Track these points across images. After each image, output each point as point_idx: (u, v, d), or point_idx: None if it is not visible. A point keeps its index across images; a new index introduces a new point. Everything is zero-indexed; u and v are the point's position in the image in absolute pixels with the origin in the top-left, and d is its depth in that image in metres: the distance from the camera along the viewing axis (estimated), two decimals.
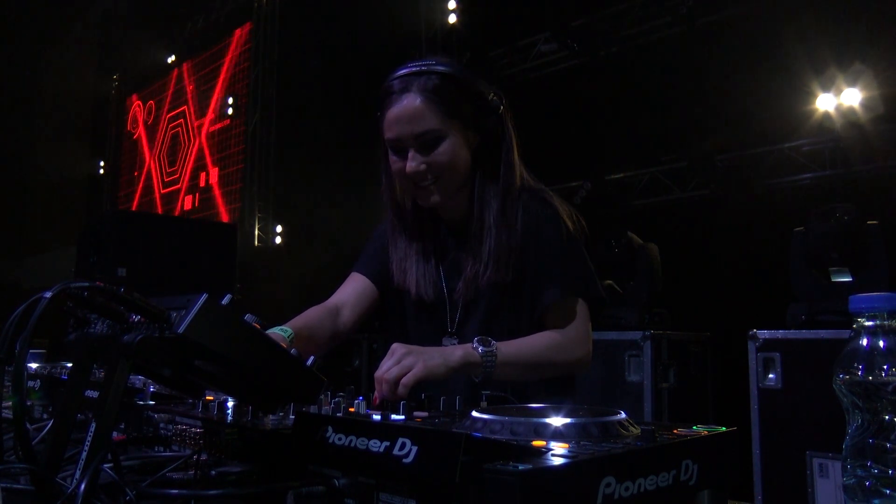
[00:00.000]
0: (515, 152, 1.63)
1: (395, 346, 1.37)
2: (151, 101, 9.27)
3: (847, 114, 3.94)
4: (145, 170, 9.20)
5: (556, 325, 1.57)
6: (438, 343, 1.65)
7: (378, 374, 1.32)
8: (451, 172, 1.55)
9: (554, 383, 1.63)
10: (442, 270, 1.69)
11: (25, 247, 10.62)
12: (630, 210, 4.76)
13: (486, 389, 1.34)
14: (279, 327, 1.55)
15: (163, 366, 0.93)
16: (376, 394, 1.31)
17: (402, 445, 0.72)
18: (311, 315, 1.69)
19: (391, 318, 1.79)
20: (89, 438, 0.79)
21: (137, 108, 9.61)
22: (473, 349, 1.42)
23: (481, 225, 1.60)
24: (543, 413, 0.87)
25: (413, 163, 1.52)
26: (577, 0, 5.11)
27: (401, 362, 1.32)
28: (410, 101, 1.51)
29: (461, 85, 1.54)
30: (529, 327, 1.59)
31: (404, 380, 1.29)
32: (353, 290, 1.76)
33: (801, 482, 2.77)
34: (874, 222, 3.14)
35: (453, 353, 1.40)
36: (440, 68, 1.53)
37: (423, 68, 1.53)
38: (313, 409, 1.03)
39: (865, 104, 3.88)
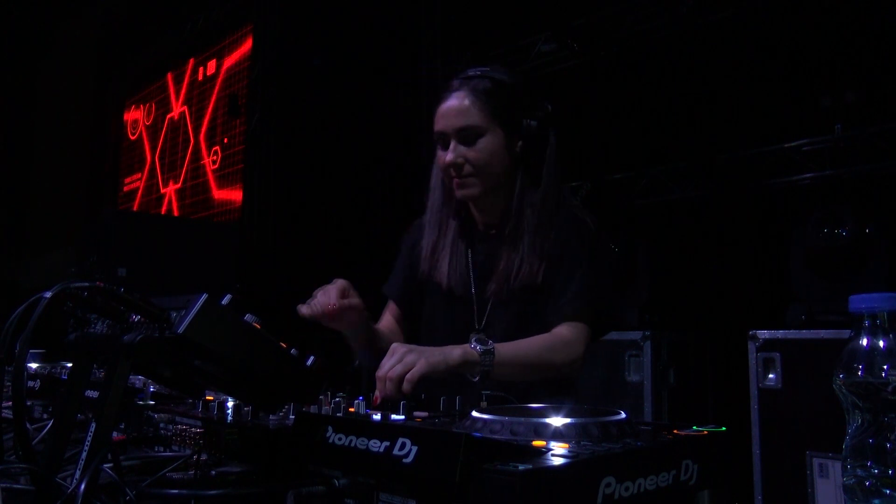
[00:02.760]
0: (556, 164, 1.72)
1: (395, 345, 1.40)
2: (151, 101, 9.28)
3: (847, 113, 3.94)
4: (145, 170, 9.20)
5: (558, 328, 1.63)
6: (466, 340, 1.66)
7: (380, 372, 1.35)
8: (488, 168, 1.65)
9: (555, 383, 1.67)
10: (472, 267, 1.75)
11: (25, 247, 10.62)
12: (630, 210, 4.76)
13: (486, 389, 1.35)
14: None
15: (163, 366, 0.93)
16: (377, 393, 1.32)
17: (402, 445, 0.72)
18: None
19: (419, 316, 1.88)
20: (89, 438, 0.79)
21: (137, 108, 9.62)
22: (472, 349, 1.45)
23: (518, 227, 1.67)
24: (543, 413, 0.87)
25: (452, 154, 1.63)
26: (577, 0, 5.11)
27: (403, 360, 1.35)
28: (460, 99, 1.64)
29: (511, 92, 1.66)
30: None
31: (409, 375, 1.32)
32: (389, 320, 1.94)
33: (801, 482, 2.77)
34: (874, 223, 3.14)
35: (452, 351, 1.43)
36: (495, 75, 1.67)
37: (479, 73, 1.68)
38: (313, 409, 1.04)
39: (866, 103, 3.88)
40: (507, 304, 1.69)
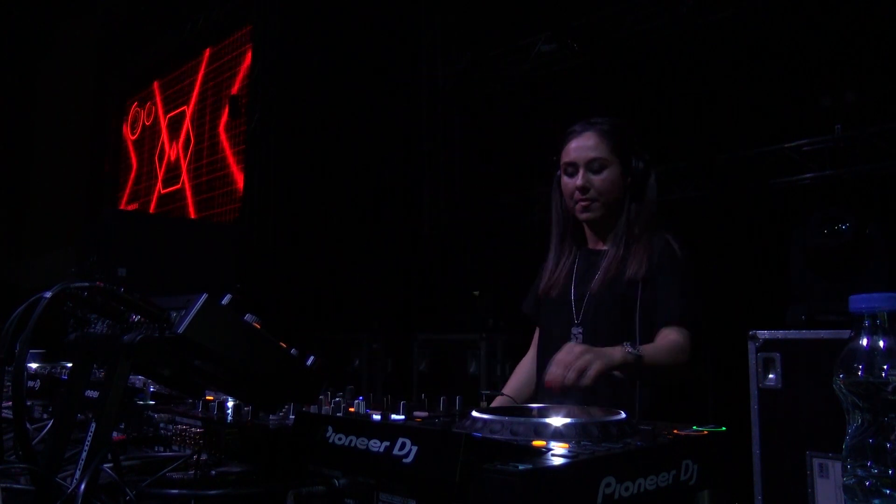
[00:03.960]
0: (655, 195, 2.08)
1: (569, 344, 1.63)
2: (151, 101, 9.27)
3: (847, 113, 3.94)
4: (145, 170, 9.20)
5: (672, 334, 1.89)
6: (568, 331, 1.98)
7: (558, 359, 1.55)
8: (607, 195, 1.98)
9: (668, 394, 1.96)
10: (575, 274, 2.06)
11: (25, 247, 10.62)
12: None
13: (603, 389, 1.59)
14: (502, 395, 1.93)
15: (163, 366, 0.93)
16: (550, 378, 1.52)
17: (402, 445, 0.72)
18: (522, 374, 2.20)
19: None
20: (89, 438, 0.79)
21: (137, 108, 9.62)
22: (628, 352, 1.66)
23: (623, 241, 1.99)
24: (543, 413, 0.87)
25: (581, 180, 1.97)
26: (577, 0, 5.11)
27: (582, 356, 1.55)
28: (589, 136, 1.99)
29: (625, 136, 2.03)
30: (642, 324, 1.90)
31: (591, 371, 1.52)
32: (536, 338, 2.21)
33: (801, 482, 2.77)
34: (874, 223, 3.13)
35: (614, 353, 1.64)
36: (616, 122, 2.04)
37: (602, 120, 2.03)
38: (313, 409, 1.03)
39: (866, 104, 3.88)
40: (603, 299, 1.95)
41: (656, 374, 1.79)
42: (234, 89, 7.49)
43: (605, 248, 2.07)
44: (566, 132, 2.06)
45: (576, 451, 0.72)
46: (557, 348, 1.78)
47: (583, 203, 2.00)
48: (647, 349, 1.75)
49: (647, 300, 1.94)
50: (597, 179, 1.98)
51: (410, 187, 6.03)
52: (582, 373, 1.52)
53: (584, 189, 1.98)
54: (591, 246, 2.12)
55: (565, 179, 2.04)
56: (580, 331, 2.01)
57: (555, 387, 1.50)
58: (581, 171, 1.99)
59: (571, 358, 1.55)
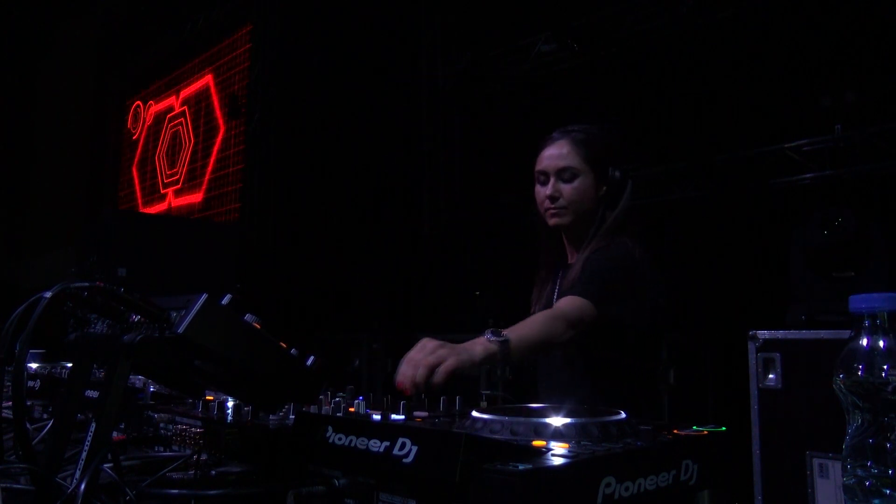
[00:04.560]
0: (628, 209, 2.01)
1: (424, 339, 1.49)
2: (152, 101, 9.27)
3: (847, 113, 3.94)
4: (146, 170, 9.20)
5: (560, 303, 1.80)
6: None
7: (409, 356, 1.41)
8: (577, 205, 1.96)
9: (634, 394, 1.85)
10: (558, 285, 2.04)
11: (25, 247, 10.61)
12: (630, 210, 4.76)
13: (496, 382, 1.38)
14: None
15: (163, 366, 0.93)
16: (400, 378, 1.36)
17: (402, 445, 0.72)
18: None
19: None
20: (89, 438, 0.79)
21: (138, 108, 9.62)
22: (489, 340, 1.55)
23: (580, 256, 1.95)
24: (543, 413, 0.87)
25: (552, 189, 1.96)
26: (577, 0, 5.11)
27: (435, 352, 1.43)
28: (561, 145, 1.98)
29: (601, 146, 1.99)
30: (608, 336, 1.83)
31: (442, 368, 1.39)
32: None
33: (801, 482, 2.77)
34: (874, 222, 3.13)
35: (474, 347, 1.53)
36: (591, 131, 2.01)
37: (578, 128, 2.02)
38: (313, 409, 1.03)
39: (866, 103, 3.88)
40: None
41: (535, 351, 1.73)
42: (234, 89, 7.49)
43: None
44: (542, 140, 2.05)
45: (576, 451, 0.72)
46: (543, 372, 1.79)
47: (551, 210, 1.99)
48: (516, 329, 1.65)
49: None
50: (567, 188, 1.97)
51: (410, 187, 6.03)
52: (433, 369, 1.40)
53: (552, 198, 1.97)
54: (570, 260, 2.09)
55: (538, 188, 2.03)
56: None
57: (406, 387, 1.35)
58: (552, 180, 1.98)
59: (422, 355, 1.43)
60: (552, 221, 2.00)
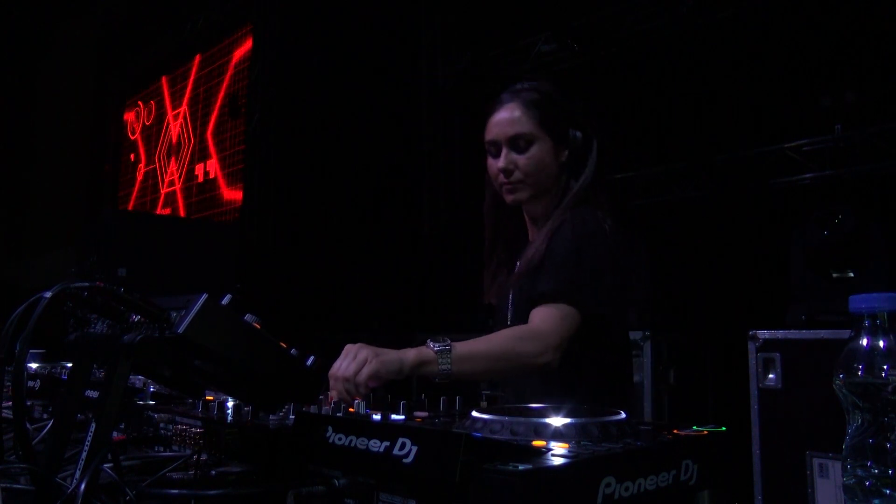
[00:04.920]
0: (596, 165, 1.76)
1: (348, 346, 1.39)
2: (152, 101, 9.27)
3: (847, 113, 3.94)
4: (146, 170, 9.20)
5: (533, 318, 1.57)
6: None
7: (332, 371, 1.33)
8: (536, 174, 1.71)
9: (602, 389, 1.64)
10: (510, 270, 1.82)
11: (25, 247, 10.61)
12: (630, 210, 4.76)
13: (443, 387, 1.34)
14: None
15: (163, 366, 0.93)
16: (331, 394, 1.29)
17: (402, 445, 0.72)
18: None
19: None
20: (89, 438, 0.79)
21: (138, 108, 9.62)
22: (428, 348, 1.42)
23: (541, 232, 1.71)
24: (543, 413, 0.87)
25: (504, 160, 1.71)
26: (577, 0, 5.11)
27: (356, 357, 1.34)
28: (510, 109, 1.72)
29: (557, 104, 1.74)
30: None
31: (359, 377, 1.30)
32: None
33: (801, 482, 2.77)
34: (874, 222, 3.13)
35: (408, 353, 1.41)
36: (542, 87, 1.75)
37: (527, 86, 1.75)
38: (313, 409, 1.03)
39: (866, 103, 3.88)
40: (519, 295, 1.71)
41: (490, 367, 1.52)
42: (234, 89, 7.49)
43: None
44: (489, 104, 1.77)
45: (576, 451, 0.72)
46: None
47: (507, 186, 1.73)
48: (465, 343, 1.47)
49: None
50: (521, 159, 1.71)
51: (410, 187, 6.03)
52: (351, 378, 1.30)
53: (506, 171, 1.71)
54: (531, 237, 1.83)
55: (489, 160, 1.77)
56: None
57: (341, 401, 1.18)
58: (504, 151, 1.72)
59: (345, 364, 1.33)
60: (509, 198, 1.75)
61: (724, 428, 0.89)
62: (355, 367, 1.32)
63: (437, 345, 1.42)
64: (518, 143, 1.71)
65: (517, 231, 1.86)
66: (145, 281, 4.20)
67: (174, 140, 8.63)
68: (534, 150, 1.71)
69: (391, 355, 1.37)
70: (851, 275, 3.11)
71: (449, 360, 1.41)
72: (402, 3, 6.05)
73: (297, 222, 6.37)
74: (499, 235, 1.87)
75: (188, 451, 1.03)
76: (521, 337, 1.53)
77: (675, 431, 0.86)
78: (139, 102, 9.55)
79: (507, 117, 1.72)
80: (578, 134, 1.74)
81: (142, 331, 0.84)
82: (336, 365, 1.34)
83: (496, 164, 1.73)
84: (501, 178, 1.72)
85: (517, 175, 1.71)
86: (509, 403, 1.41)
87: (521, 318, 1.64)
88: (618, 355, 1.74)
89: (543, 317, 1.55)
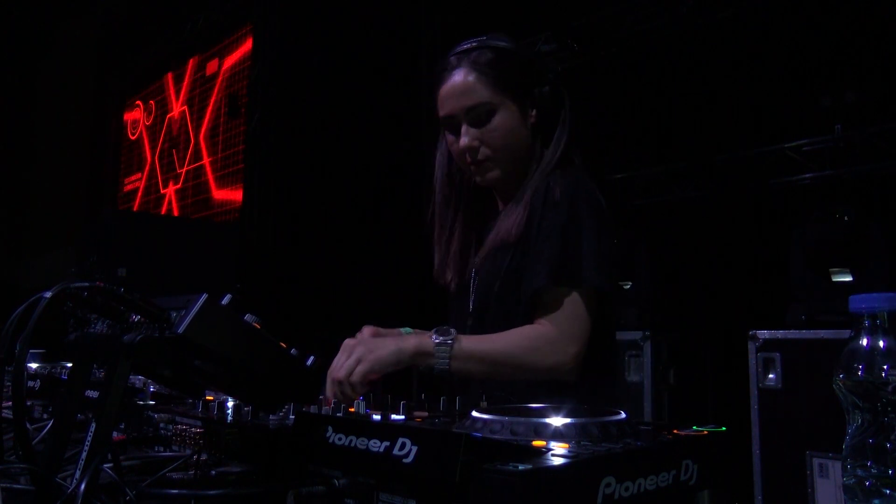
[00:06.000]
0: (571, 124, 1.55)
1: (346, 341, 1.32)
2: (151, 101, 9.27)
3: (847, 113, 3.94)
4: (145, 170, 9.20)
5: (542, 316, 1.38)
6: (465, 323, 1.53)
7: (333, 365, 1.28)
8: (507, 146, 1.48)
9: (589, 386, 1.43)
10: (476, 249, 1.60)
11: (25, 247, 10.61)
12: (630, 210, 4.76)
13: (448, 384, 1.31)
14: (405, 328, 1.54)
15: (163, 366, 0.93)
16: (328, 393, 1.25)
17: (402, 445, 0.72)
18: None
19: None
20: (89, 438, 0.79)
21: (137, 108, 9.62)
22: (429, 338, 1.32)
23: (515, 203, 1.48)
24: (543, 413, 0.87)
25: (466, 138, 1.47)
26: (577, 0, 5.11)
27: (351, 355, 1.27)
28: (461, 77, 1.46)
29: (514, 59, 1.48)
30: (523, 316, 1.42)
31: (352, 378, 1.24)
32: None
33: (801, 482, 2.77)
34: (874, 222, 3.14)
35: (408, 341, 1.32)
36: (493, 43, 1.48)
37: (475, 44, 1.49)
38: (313, 409, 1.03)
39: (866, 103, 3.88)
40: (487, 273, 1.50)
41: (494, 371, 1.36)
42: (234, 89, 7.49)
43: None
44: (438, 67, 1.51)
45: (576, 451, 0.72)
46: None
47: (474, 167, 1.50)
48: (472, 339, 1.34)
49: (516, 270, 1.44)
50: (485, 133, 1.46)
51: (410, 187, 6.03)
52: (347, 381, 1.23)
53: (471, 150, 1.47)
54: (501, 208, 1.62)
55: (449, 139, 1.53)
56: (470, 322, 1.53)
57: (339, 401, 1.13)
58: (463, 127, 1.47)
59: (339, 363, 1.26)
60: (479, 180, 1.53)
61: (724, 428, 0.89)
62: (347, 369, 1.24)
63: (438, 337, 1.31)
64: (477, 115, 1.46)
65: (481, 205, 1.63)
66: (145, 281, 4.20)
67: (174, 140, 8.63)
68: (497, 119, 1.46)
69: (388, 348, 1.28)
70: (850, 279, 3.11)
71: (447, 357, 1.29)
72: (402, 3, 6.05)
73: (297, 222, 6.37)
74: (457, 210, 1.62)
75: (188, 451, 1.03)
76: (531, 347, 1.34)
77: (675, 431, 0.86)
78: (139, 102, 9.54)
79: (458, 86, 1.46)
80: (545, 89, 1.49)
81: (142, 331, 0.84)
82: (333, 364, 1.27)
83: (457, 142, 1.49)
84: (467, 157, 1.49)
85: (484, 152, 1.47)
86: (499, 392, 1.35)
87: (485, 305, 1.49)
88: (609, 339, 1.54)
89: (554, 314, 1.35)
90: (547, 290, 1.38)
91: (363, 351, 1.27)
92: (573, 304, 1.36)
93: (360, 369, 1.24)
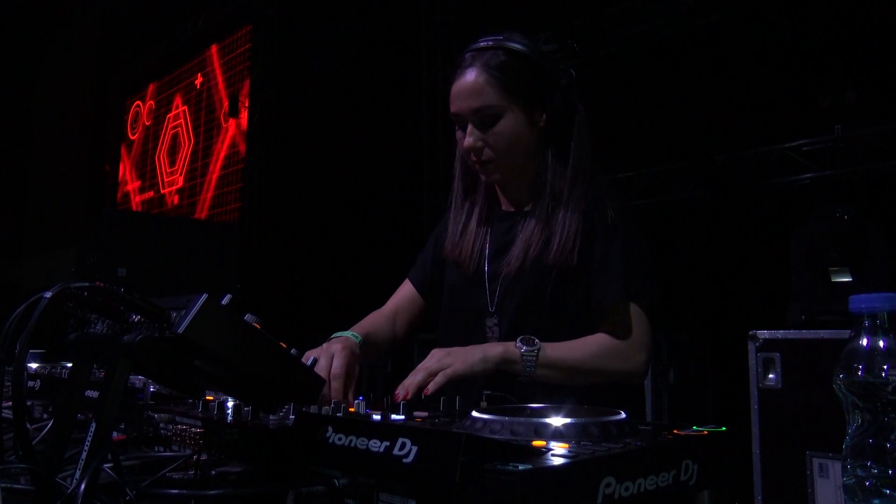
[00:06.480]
0: (587, 135, 1.58)
1: (435, 350, 1.37)
2: (151, 101, 9.27)
3: (847, 113, 3.95)
4: (146, 170, 9.20)
5: (612, 327, 1.50)
6: (480, 322, 1.61)
7: (418, 367, 1.32)
8: (510, 151, 1.52)
9: (617, 392, 1.54)
10: (490, 248, 1.64)
11: (25, 247, 10.62)
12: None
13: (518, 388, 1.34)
14: (349, 332, 1.55)
15: (163, 366, 0.93)
16: (399, 390, 1.27)
17: (403, 445, 0.72)
18: (376, 320, 1.72)
19: (439, 308, 1.76)
20: (89, 438, 0.79)
21: (137, 108, 9.61)
22: (516, 347, 1.39)
23: (545, 204, 1.55)
24: (543, 413, 0.87)
25: (471, 138, 1.51)
26: (577, 0, 5.11)
27: (440, 361, 1.32)
28: (472, 77, 1.49)
29: (527, 64, 1.50)
30: (575, 316, 1.53)
31: (439, 376, 1.29)
32: (404, 296, 1.81)
33: (801, 482, 2.77)
34: (874, 222, 3.14)
35: (494, 349, 1.39)
36: (508, 45, 1.50)
37: (490, 44, 1.51)
38: (313, 409, 1.03)
39: (866, 103, 3.88)
40: (525, 284, 1.55)
41: (573, 377, 1.45)
42: (234, 89, 7.49)
43: (517, 210, 1.64)
44: (454, 62, 1.56)
45: (576, 451, 0.72)
46: (466, 340, 1.47)
47: (478, 166, 1.55)
48: (554, 347, 1.42)
49: (578, 295, 1.53)
50: (490, 136, 1.50)
51: (410, 187, 6.03)
52: (432, 375, 1.28)
53: (475, 150, 1.52)
54: (504, 209, 1.68)
55: (458, 134, 1.57)
56: (495, 322, 1.59)
57: (398, 395, 1.23)
58: (469, 127, 1.51)
59: (431, 363, 1.32)
60: (489, 179, 1.59)
61: (724, 428, 0.89)
62: (437, 366, 1.30)
63: (526, 347, 1.39)
64: (483, 117, 1.49)
65: (489, 200, 1.69)
66: (145, 281, 4.20)
67: (174, 140, 8.63)
68: (502, 124, 1.49)
69: (474, 357, 1.35)
70: (850, 279, 3.11)
71: (533, 365, 1.39)
72: (402, 3, 6.05)
73: (297, 222, 6.37)
74: (474, 204, 1.68)
75: (188, 451, 1.03)
76: (610, 353, 1.47)
77: (675, 431, 0.86)
78: (139, 102, 9.54)
79: (468, 86, 1.49)
80: (558, 97, 1.52)
81: (142, 331, 0.84)
82: (419, 366, 1.33)
83: (464, 140, 1.54)
84: (472, 157, 1.54)
85: (487, 154, 1.52)
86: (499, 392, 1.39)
87: (519, 310, 1.55)
88: None
89: (625, 324, 1.49)
90: (617, 304, 1.51)
91: (453, 359, 1.33)
92: (640, 315, 1.52)
93: (449, 371, 1.30)
